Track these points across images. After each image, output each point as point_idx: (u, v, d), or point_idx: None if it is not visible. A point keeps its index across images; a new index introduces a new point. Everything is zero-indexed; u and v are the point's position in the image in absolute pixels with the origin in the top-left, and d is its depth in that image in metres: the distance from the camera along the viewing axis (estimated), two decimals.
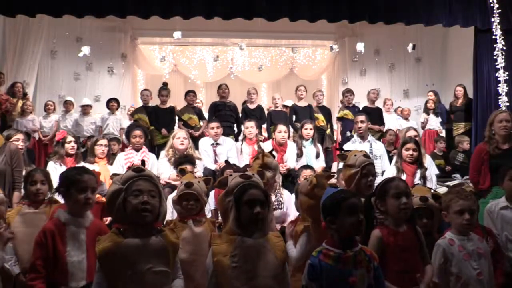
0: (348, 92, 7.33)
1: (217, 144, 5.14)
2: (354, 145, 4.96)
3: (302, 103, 6.68)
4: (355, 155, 2.91)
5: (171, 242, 1.99)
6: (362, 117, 5.20)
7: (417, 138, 4.62)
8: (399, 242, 2.24)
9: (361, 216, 1.93)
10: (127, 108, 8.90)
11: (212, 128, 5.21)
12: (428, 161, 4.48)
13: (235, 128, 6.62)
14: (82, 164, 4.51)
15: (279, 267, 2.06)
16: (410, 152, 4.16)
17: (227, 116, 6.39)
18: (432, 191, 2.82)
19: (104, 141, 4.72)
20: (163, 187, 4.34)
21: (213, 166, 4.94)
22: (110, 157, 4.83)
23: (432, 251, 2.38)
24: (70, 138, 4.56)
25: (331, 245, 1.96)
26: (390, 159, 4.84)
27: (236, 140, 6.09)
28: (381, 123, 7.16)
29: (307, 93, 6.86)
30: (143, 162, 2.31)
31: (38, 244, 2.28)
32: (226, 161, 3.51)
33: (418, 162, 4.17)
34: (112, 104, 7.83)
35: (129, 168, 2.07)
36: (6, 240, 2.48)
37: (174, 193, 2.94)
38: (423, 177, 4.13)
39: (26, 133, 5.47)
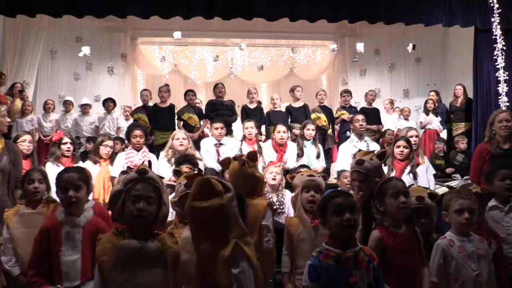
0: (346, 92, 7.31)
1: (220, 144, 5.15)
2: (351, 144, 4.98)
3: (297, 104, 6.67)
4: (355, 157, 2.94)
5: (168, 246, 1.98)
6: (361, 116, 5.22)
7: (417, 139, 4.61)
8: (399, 243, 2.23)
9: (348, 215, 1.91)
10: (124, 109, 8.83)
11: (216, 128, 5.20)
12: (425, 161, 4.48)
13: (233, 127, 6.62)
14: (80, 163, 4.52)
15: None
16: (401, 149, 4.18)
17: (224, 115, 6.38)
18: (428, 190, 2.81)
19: (110, 142, 4.72)
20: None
21: (216, 166, 4.93)
22: (111, 157, 4.81)
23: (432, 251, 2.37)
24: (66, 139, 4.53)
25: (331, 245, 1.96)
26: None
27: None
28: (379, 123, 7.15)
29: (307, 93, 6.82)
30: (149, 163, 2.29)
31: (36, 241, 2.33)
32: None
33: (409, 160, 4.18)
34: (108, 104, 7.81)
35: (129, 167, 2.07)
36: None
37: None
38: (413, 173, 4.13)
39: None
